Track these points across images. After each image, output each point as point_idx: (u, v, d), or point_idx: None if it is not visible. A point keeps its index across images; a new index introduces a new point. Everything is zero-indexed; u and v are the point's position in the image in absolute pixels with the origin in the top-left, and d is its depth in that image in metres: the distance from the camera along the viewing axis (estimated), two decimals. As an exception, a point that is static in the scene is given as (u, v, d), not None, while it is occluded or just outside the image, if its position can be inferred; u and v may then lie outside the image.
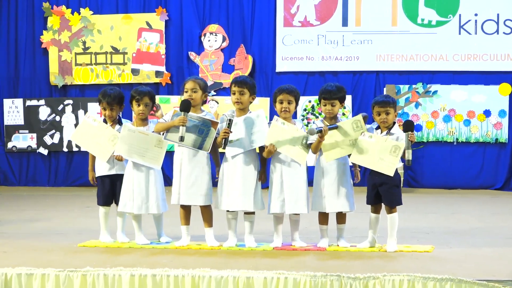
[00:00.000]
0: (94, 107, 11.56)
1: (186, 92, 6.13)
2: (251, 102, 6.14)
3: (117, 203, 6.25)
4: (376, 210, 5.98)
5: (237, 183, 6.01)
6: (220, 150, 6.17)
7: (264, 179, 6.11)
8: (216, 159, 6.24)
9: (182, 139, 5.95)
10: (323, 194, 6.00)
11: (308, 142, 5.98)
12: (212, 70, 11.59)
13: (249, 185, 6.00)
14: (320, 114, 6.10)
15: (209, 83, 11.45)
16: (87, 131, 6.30)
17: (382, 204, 5.97)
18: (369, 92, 11.28)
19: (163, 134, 6.12)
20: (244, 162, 6.02)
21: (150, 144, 6.12)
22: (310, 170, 6.11)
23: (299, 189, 5.99)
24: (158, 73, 11.70)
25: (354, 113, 11.11)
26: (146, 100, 6.22)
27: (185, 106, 6.00)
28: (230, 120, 5.93)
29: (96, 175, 6.32)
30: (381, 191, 5.89)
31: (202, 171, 6.09)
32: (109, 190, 6.28)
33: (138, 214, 6.19)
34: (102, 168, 6.28)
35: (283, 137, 5.96)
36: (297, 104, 6.09)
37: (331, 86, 6.03)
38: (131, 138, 6.12)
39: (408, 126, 5.83)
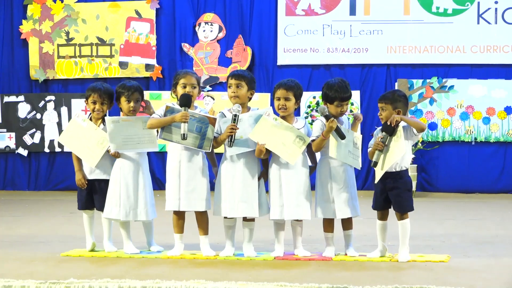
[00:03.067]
0: (78, 104, 11.59)
1: (184, 87, 6.11)
2: (250, 98, 6.13)
3: (98, 209, 6.27)
4: (382, 217, 5.99)
5: (237, 186, 6.00)
6: (216, 150, 6.18)
7: (266, 178, 6.10)
8: (212, 159, 6.25)
9: (184, 137, 5.92)
10: (332, 199, 6.01)
11: (311, 139, 5.99)
12: (207, 63, 11.60)
13: (251, 188, 6.00)
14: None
15: (205, 77, 11.48)
16: (76, 132, 6.31)
17: (389, 210, 5.99)
18: (379, 87, 11.26)
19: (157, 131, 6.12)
20: (244, 163, 6.01)
21: (138, 128, 6.13)
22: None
23: (300, 193, 5.98)
24: (148, 67, 11.71)
25: (363, 110, 11.13)
26: (136, 95, 6.24)
27: (186, 101, 6.00)
28: (236, 115, 5.91)
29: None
30: (391, 196, 5.90)
31: (202, 174, 6.09)
32: (86, 195, 6.31)
33: (125, 221, 6.20)
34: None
35: (273, 134, 5.91)
36: (297, 100, 6.05)
37: (336, 88, 5.97)
38: (118, 129, 6.12)
39: (387, 129, 5.83)
